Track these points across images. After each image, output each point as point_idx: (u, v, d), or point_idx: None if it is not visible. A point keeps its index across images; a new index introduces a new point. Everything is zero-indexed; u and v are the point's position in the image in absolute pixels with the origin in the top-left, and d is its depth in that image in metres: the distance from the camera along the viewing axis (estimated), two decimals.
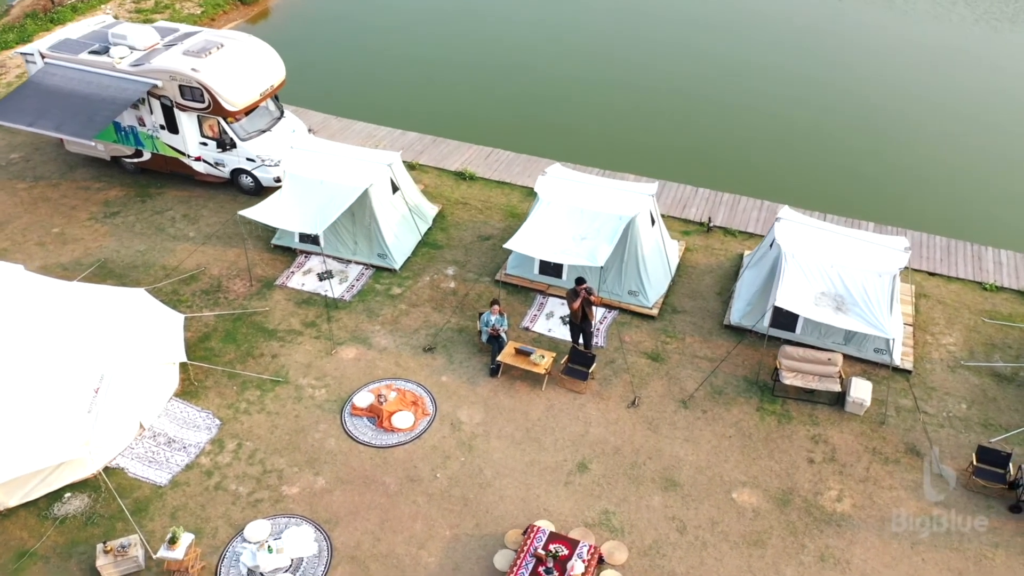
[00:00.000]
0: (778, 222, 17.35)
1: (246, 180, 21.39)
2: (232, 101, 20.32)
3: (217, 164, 21.35)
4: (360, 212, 18.79)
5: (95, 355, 14.75)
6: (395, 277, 19.14)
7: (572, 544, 13.21)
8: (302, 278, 19.04)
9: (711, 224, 20.70)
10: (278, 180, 20.70)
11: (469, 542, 13.84)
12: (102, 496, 14.31)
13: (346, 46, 30.37)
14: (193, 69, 19.98)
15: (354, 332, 17.69)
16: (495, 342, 16.87)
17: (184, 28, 22.21)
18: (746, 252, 19.68)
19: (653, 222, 18.31)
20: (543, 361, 16.33)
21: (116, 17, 28.49)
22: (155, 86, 20.25)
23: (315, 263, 19.33)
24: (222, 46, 20.91)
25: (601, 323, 17.84)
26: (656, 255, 18.36)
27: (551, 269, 18.40)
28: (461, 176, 22.53)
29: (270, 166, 20.94)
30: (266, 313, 18.11)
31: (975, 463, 14.59)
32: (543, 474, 14.91)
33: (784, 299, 15.81)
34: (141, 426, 15.41)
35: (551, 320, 18.02)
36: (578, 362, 16.51)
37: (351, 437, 15.51)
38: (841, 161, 24.17)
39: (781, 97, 27.23)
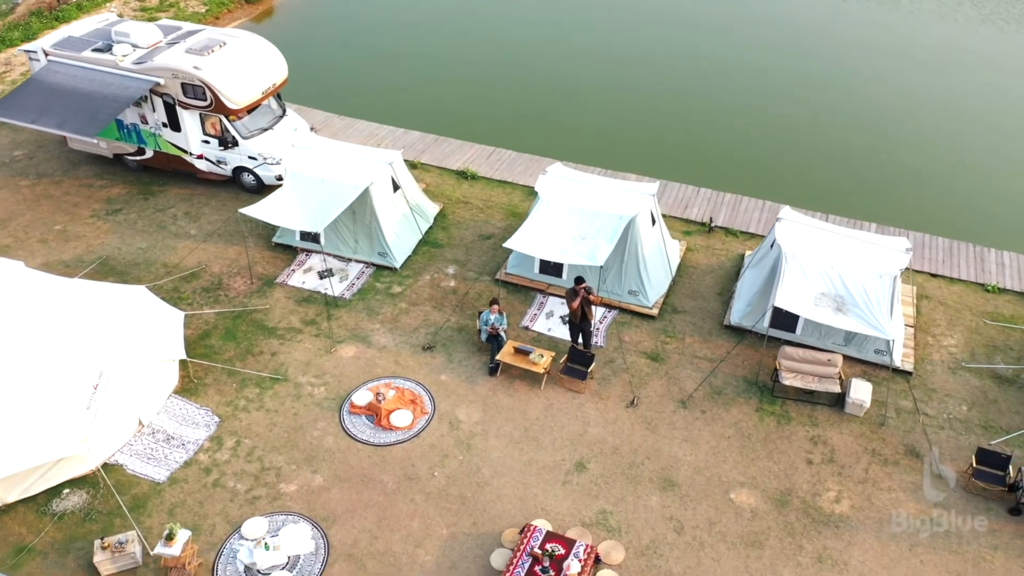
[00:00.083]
0: (779, 222, 17.30)
1: (248, 178, 21.43)
2: (234, 99, 20.36)
3: (219, 162, 21.40)
4: (361, 211, 18.81)
5: (94, 352, 14.80)
6: (395, 276, 19.15)
7: (568, 543, 13.20)
8: (302, 276, 19.07)
9: (712, 224, 20.66)
10: (280, 178, 20.73)
11: (466, 541, 13.84)
12: (100, 492, 14.36)
13: (349, 45, 30.40)
14: (195, 67, 20.03)
15: (354, 330, 17.71)
16: (494, 341, 16.87)
17: (187, 26, 22.26)
18: (747, 252, 19.64)
19: (654, 222, 18.28)
20: (542, 360, 16.32)
21: (120, 15, 28.62)
22: (158, 84, 20.30)
23: (316, 261, 19.36)
24: (224, 44, 20.94)
25: (601, 323, 17.83)
26: (656, 255, 18.33)
27: (551, 268, 18.38)
28: (463, 175, 22.53)
29: (272, 164, 20.97)
30: (266, 311, 18.14)
31: (975, 465, 14.53)
32: (541, 473, 14.90)
33: (784, 300, 15.77)
34: (140, 423, 15.45)
35: (551, 319, 18.01)
36: (577, 361, 16.49)
37: (349, 435, 15.53)
38: (844, 162, 24.11)
39: (784, 97, 27.16)
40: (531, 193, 20.80)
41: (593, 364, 16.40)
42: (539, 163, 22.45)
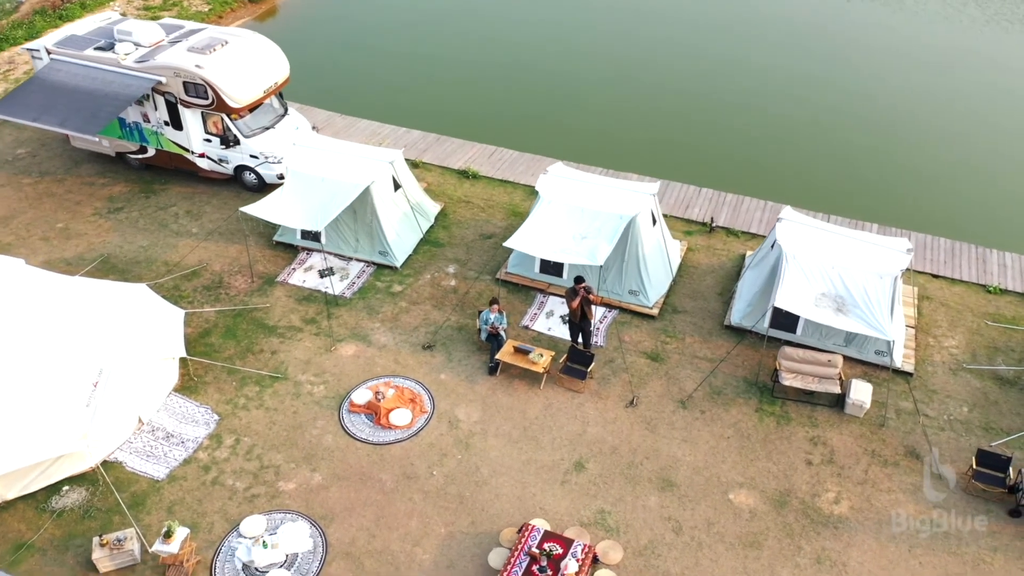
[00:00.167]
0: (779, 223, 17.27)
1: (249, 177, 21.45)
2: (236, 98, 20.39)
3: (221, 161, 21.43)
4: (362, 209, 18.82)
5: (95, 349, 14.82)
6: (396, 275, 19.16)
7: (566, 543, 13.19)
8: (303, 275, 19.09)
9: (713, 224, 20.63)
10: (281, 177, 20.74)
11: (464, 540, 13.83)
12: (100, 490, 14.39)
13: (352, 44, 30.43)
14: (197, 66, 20.06)
15: (354, 329, 17.72)
16: (494, 340, 16.87)
17: (189, 25, 22.29)
18: (748, 252, 19.61)
19: (654, 222, 18.26)
20: (541, 360, 16.31)
21: (123, 14, 28.65)
22: (159, 82, 20.34)
23: (316, 260, 19.38)
24: (226, 43, 20.97)
25: (601, 322, 17.81)
26: (657, 255, 18.31)
27: (552, 268, 18.38)
28: (464, 174, 22.54)
29: (273, 163, 21.00)
30: (267, 309, 18.16)
31: (975, 467, 14.48)
32: (539, 473, 14.89)
33: (784, 300, 15.73)
34: (140, 420, 15.48)
35: (551, 319, 18.00)
36: (577, 361, 16.48)
37: (348, 434, 15.54)
38: (846, 162, 24.06)
39: (786, 97, 27.11)
40: (532, 193, 20.75)
41: (593, 364, 16.39)
42: (541, 163, 22.44)
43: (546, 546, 13.08)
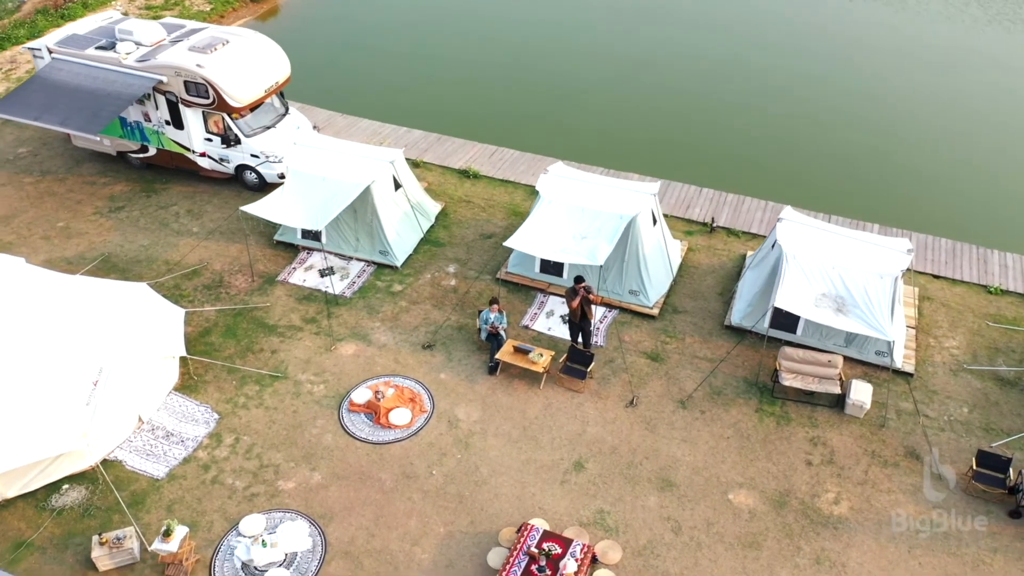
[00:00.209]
0: (780, 223, 17.25)
1: (250, 176, 21.47)
2: (236, 97, 20.40)
3: (222, 160, 21.45)
4: (362, 209, 18.82)
5: (95, 348, 14.83)
6: (396, 274, 19.16)
7: (565, 543, 13.18)
8: (303, 274, 19.10)
9: (714, 224, 20.62)
10: (282, 176, 20.75)
11: (463, 539, 13.83)
12: (99, 488, 14.40)
13: (353, 44, 30.44)
14: (198, 65, 20.07)
15: (354, 328, 17.72)
16: (494, 340, 16.87)
17: (191, 24, 22.31)
18: (749, 253, 19.59)
19: (655, 222, 18.25)
20: (541, 359, 16.30)
21: (125, 13, 28.66)
22: (160, 82, 20.36)
23: (317, 259, 19.38)
24: (227, 42, 20.98)
25: (601, 322, 17.80)
26: (657, 255, 18.30)
27: (552, 268, 18.37)
28: (465, 174, 22.54)
29: (274, 162, 21.01)
30: (267, 309, 18.18)
31: (975, 467, 14.46)
32: (539, 472, 14.88)
33: (784, 300, 15.71)
34: (140, 419, 15.49)
35: (551, 319, 17.99)
36: (577, 361, 16.47)
37: (348, 433, 15.54)
38: (847, 162, 24.03)
39: (788, 97, 27.09)
40: (533, 192, 20.73)
41: (592, 364, 16.38)
42: (542, 162, 22.41)
43: (545, 546, 13.08)
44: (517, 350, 16.54)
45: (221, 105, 20.37)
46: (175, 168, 22.11)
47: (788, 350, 16.28)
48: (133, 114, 21.25)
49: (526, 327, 17.80)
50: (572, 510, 14.26)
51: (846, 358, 16.49)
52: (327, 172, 18.55)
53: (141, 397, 15.44)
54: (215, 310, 18.03)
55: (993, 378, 16.68)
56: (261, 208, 18.13)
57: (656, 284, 18.17)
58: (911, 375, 16.60)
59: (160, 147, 21.67)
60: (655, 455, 15.19)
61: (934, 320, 18.03)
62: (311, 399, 16.19)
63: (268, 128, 21.40)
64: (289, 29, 31.03)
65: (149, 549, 13.27)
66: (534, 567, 12.81)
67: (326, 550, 13.61)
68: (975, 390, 16.44)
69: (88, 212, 21.06)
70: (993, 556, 13.60)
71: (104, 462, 14.70)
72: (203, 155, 21.46)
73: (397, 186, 19.45)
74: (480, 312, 17.25)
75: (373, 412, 15.84)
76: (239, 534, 13.66)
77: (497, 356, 16.55)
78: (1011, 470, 14.34)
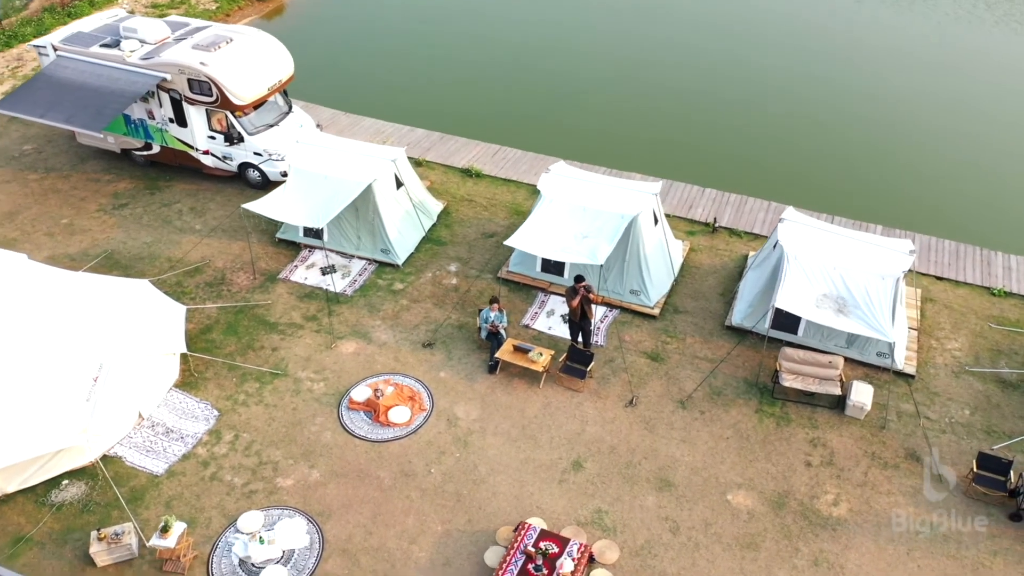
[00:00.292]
0: (781, 223, 17.20)
1: (253, 174, 21.51)
2: (240, 95, 20.45)
3: (225, 158, 21.50)
4: (364, 207, 18.84)
5: (95, 344, 14.88)
6: (397, 273, 19.18)
7: (563, 542, 13.17)
8: (305, 272, 19.13)
9: (716, 224, 20.57)
10: (285, 174, 20.79)
11: (460, 538, 13.83)
12: (99, 484, 14.45)
13: (357, 44, 30.50)
14: (201, 63, 20.12)
15: (354, 327, 17.74)
16: (494, 339, 16.86)
17: (195, 22, 22.37)
18: (750, 253, 19.54)
19: (656, 221, 18.21)
20: (541, 359, 16.29)
21: (131, 11, 28.75)
22: (164, 79, 20.41)
23: (318, 257, 19.41)
24: (231, 41, 21.03)
25: (602, 322, 17.78)
26: (659, 255, 18.27)
27: (553, 267, 18.36)
28: (467, 173, 22.54)
29: (277, 161, 21.05)
30: (268, 306, 18.21)
31: (975, 470, 14.39)
32: (537, 471, 14.87)
33: (785, 301, 15.66)
34: (140, 415, 15.54)
35: (552, 318, 17.98)
36: (576, 360, 16.45)
37: (347, 431, 15.56)
38: (850, 163, 23.95)
39: (792, 98, 27.02)
40: (535, 191, 20.74)
41: (592, 363, 16.36)
42: (544, 162, 22.40)
43: (542, 545, 13.08)
44: (517, 349, 16.54)
45: (224, 103, 20.42)
46: (179, 166, 22.17)
47: (789, 351, 16.23)
48: (137, 111, 21.33)
49: (527, 326, 17.79)
50: (570, 509, 14.25)
51: (847, 359, 16.44)
52: (329, 170, 18.57)
53: (141, 393, 15.49)
54: (216, 307, 18.08)
55: (995, 380, 16.60)
56: (263, 206, 18.17)
57: (657, 284, 18.14)
58: (912, 377, 16.53)
59: (164, 145, 21.74)
60: (654, 455, 15.17)
61: (936, 322, 17.96)
62: (311, 397, 16.22)
63: (271, 126, 21.44)
64: (294, 28, 31.09)
65: (147, 545, 13.30)
66: (531, 566, 12.81)
67: (323, 547, 13.63)
68: (977, 392, 16.36)
69: (92, 209, 21.14)
70: (993, 559, 13.53)
71: (104, 458, 14.76)
72: (206, 153, 21.52)
73: (399, 185, 19.47)
74: (480, 311, 17.24)
75: (372, 410, 15.85)
76: (237, 531, 13.69)
77: (497, 355, 16.54)
78: (1012, 473, 14.27)
